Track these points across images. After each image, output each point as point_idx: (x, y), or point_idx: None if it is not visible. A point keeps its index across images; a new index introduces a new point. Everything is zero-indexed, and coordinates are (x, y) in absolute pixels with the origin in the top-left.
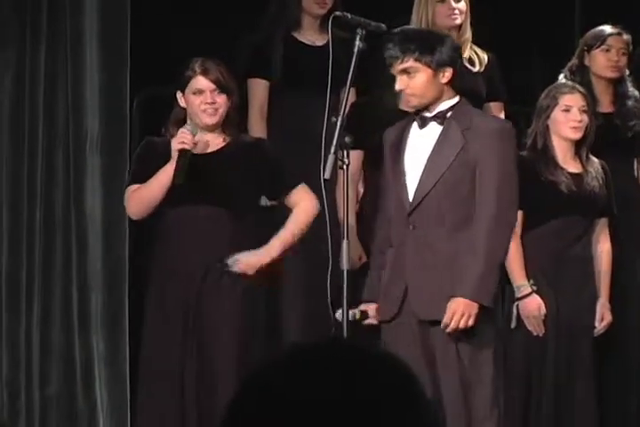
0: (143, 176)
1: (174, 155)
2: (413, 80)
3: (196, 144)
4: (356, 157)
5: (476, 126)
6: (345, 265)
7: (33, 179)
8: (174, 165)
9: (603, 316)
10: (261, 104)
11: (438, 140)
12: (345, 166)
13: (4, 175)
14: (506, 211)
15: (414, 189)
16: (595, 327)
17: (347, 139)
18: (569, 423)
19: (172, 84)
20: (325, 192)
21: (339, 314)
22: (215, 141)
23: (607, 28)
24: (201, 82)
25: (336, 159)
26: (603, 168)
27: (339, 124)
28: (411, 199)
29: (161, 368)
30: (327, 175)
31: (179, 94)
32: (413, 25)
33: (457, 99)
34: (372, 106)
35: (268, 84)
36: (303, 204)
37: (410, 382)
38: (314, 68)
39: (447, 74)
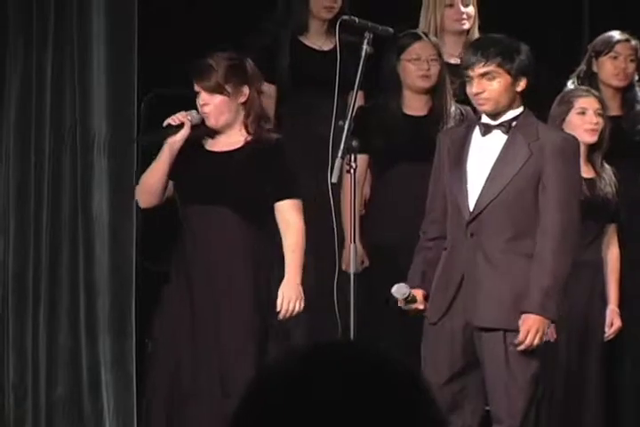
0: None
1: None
2: (492, 85)
3: (182, 123)
4: (362, 161)
5: (543, 139)
6: (352, 268)
7: (40, 181)
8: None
9: (612, 321)
10: (267, 107)
11: (503, 149)
12: (352, 170)
13: (10, 177)
14: (570, 225)
15: (476, 198)
16: (604, 333)
17: (354, 143)
18: None
19: (180, 85)
20: (333, 196)
21: (395, 289)
22: (234, 140)
23: (615, 35)
24: (195, 85)
25: (343, 163)
26: (614, 174)
27: (346, 128)
28: (471, 208)
29: (169, 371)
30: (334, 179)
31: None
32: (421, 29)
33: (522, 108)
34: (377, 110)
35: (275, 88)
36: (294, 224)
37: (415, 380)
38: (320, 73)
39: (522, 83)
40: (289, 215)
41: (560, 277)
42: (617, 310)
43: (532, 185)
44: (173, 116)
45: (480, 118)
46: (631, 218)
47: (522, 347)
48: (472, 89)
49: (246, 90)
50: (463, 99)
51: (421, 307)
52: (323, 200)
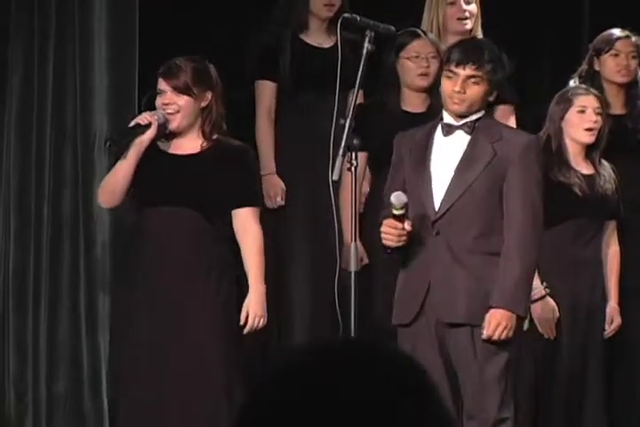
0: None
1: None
2: (474, 88)
3: (150, 123)
4: (361, 158)
5: (506, 139)
6: (352, 267)
7: (41, 179)
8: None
9: (612, 319)
10: (269, 106)
11: (467, 149)
12: (353, 168)
13: (11, 175)
14: (534, 221)
15: (441, 197)
16: (605, 330)
17: (355, 141)
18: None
19: None
20: (333, 194)
21: (394, 197)
22: (192, 144)
23: (616, 32)
24: (161, 83)
25: (344, 161)
26: (614, 171)
27: (347, 126)
28: (437, 207)
29: (139, 376)
30: (335, 177)
31: None
32: (424, 27)
33: (483, 112)
34: (376, 107)
35: (276, 86)
36: (252, 230)
37: (422, 379)
38: (321, 71)
39: (494, 95)
40: (247, 222)
41: (527, 274)
42: (617, 307)
43: (496, 184)
44: (141, 116)
45: (442, 119)
46: (634, 217)
47: (489, 340)
48: (454, 87)
49: (209, 95)
50: None
51: (408, 228)
52: (323, 198)
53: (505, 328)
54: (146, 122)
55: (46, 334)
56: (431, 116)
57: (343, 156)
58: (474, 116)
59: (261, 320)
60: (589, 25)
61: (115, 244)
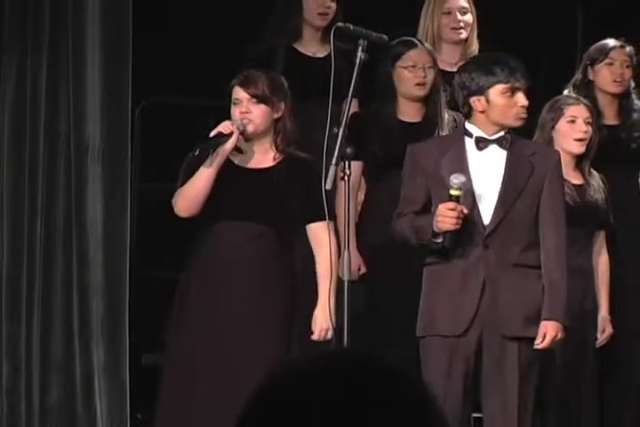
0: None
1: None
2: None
3: (232, 132)
4: (356, 167)
5: (539, 153)
6: (345, 275)
7: (34, 187)
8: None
9: (604, 328)
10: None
11: (507, 164)
12: (346, 177)
13: (4, 183)
14: (565, 234)
15: (491, 213)
16: (596, 339)
17: (348, 150)
18: None
19: (175, 91)
20: (327, 203)
21: (454, 176)
22: (264, 157)
23: (610, 42)
24: (238, 92)
25: (337, 170)
26: (603, 182)
27: (340, 135)
28: (486, 222)
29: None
30: (329, 186)
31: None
32: (419, 36)
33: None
34: (372, 117)
35: None
36: (326, 243)
37: (423, 394)
38: (315, 80)
39: None
40: (322, 235)
41: (566, 284)
42: (608, 316)
43: (536, 197)
44: (223, 125)
45: (465, 132)
46: (627, 227)
47: (538, 348)
48: (524, 102)
49: (283, 106)
50: (453, 106)
51: (465, 210)
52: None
53: (554, 339)
54: (228, 131)
55: (39, 343)
56: (427, 126)
57: (336, 165)
58: (502, 131)
59: (328, 333)
60: (583, 33)
61: (107, 251)
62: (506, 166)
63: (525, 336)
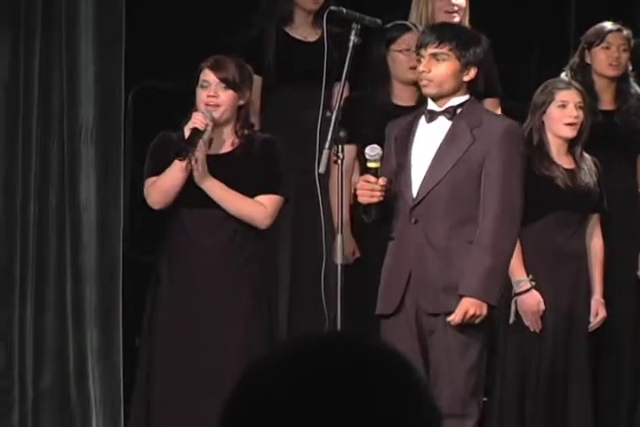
0: (160, 169)
1: (187, 133)
2: (439, 66)
3: (207, 125)
4: (349, 151)
5: (486, 125)
6: (339, 259)
7: (27, 170)
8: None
9: (597, 311)
10: (254, 99)
11: (446, 136)
12: (339, 161)
13: None
14: (511, 210)
15: (419, 184)
16: (589, 323)
17: (341, 134)
18: (563, 422)
19: (168, 76)
20: (320, 187)
21: (369, 149)
22: (224, 142)
23: (607, 25)
24: (207, 74)
25: (330, 154)
26: (595, 165)
27: (333, 118)
28: (415, 194)
29: (171, 370)
30: (322, 170)
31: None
32: (412, 20)
33: (467, 96)
34: (366, 100)
35: (261, 79)
36: (262, 206)
37: (408, 372)
38: (306, 64)
39: (471, 73)
40: (264, 202)
41: (500, 264)
42: (601, 300)
43: (474, 171)
44: (196, 120)
45: (427, 106)
46: (622, 211)
47: (453, 324)
48: (419, 67)
49: (248, 93)
50: None
51: (382, 182)
52: (311, 191)
53: (473, 316)
54: (203, 126)
55: (33, 327)
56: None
57: (329, 148)
58: (455, 101)
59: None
60: (576, 17)
61: (101, 235)
62: (443, 138)
63: (446, 313)
